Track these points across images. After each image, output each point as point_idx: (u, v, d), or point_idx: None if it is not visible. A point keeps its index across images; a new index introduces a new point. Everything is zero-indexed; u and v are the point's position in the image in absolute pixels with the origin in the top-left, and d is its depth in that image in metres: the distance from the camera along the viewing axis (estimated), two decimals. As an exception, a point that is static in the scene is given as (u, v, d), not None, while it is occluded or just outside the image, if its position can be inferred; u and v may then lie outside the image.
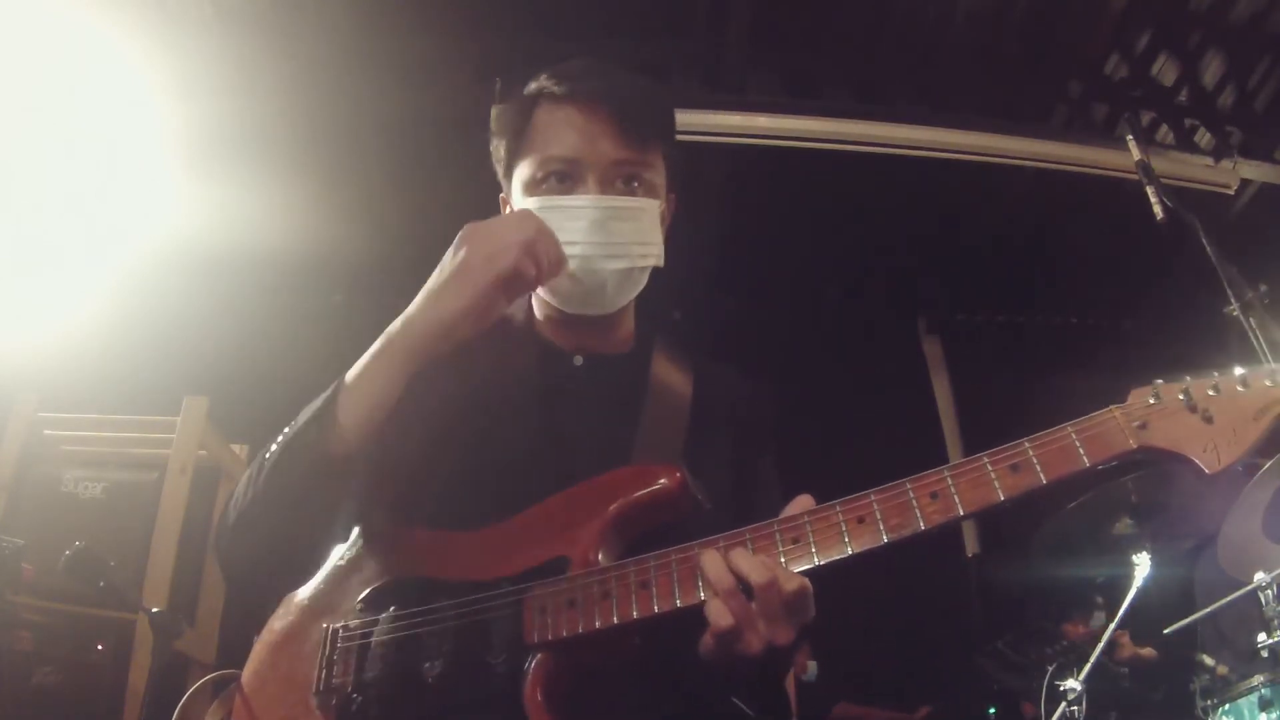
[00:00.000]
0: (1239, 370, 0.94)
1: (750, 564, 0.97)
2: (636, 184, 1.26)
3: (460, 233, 1.17)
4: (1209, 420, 0.92)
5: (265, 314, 4.48)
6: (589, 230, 1.21)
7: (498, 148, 1.33)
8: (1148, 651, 3.48)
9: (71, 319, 3.69)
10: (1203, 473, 0.91)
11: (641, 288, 1.30)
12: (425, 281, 1.23)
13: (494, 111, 1.36)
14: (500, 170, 1.35)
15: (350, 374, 1.16)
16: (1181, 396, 0.94)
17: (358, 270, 4.44)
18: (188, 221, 3.81)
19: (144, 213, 3.81)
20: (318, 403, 1.16)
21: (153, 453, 3.04)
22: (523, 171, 1.28)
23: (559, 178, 1.24)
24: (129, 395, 3.43)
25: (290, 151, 3.84)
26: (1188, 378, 0.96)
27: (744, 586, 0.97)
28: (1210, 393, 0.93)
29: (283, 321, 4.45)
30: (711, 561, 0.98)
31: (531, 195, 1.25)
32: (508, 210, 1.36)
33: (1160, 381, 0.96)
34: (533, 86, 1.30)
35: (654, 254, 1.27)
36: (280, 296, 4.54)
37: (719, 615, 0.96)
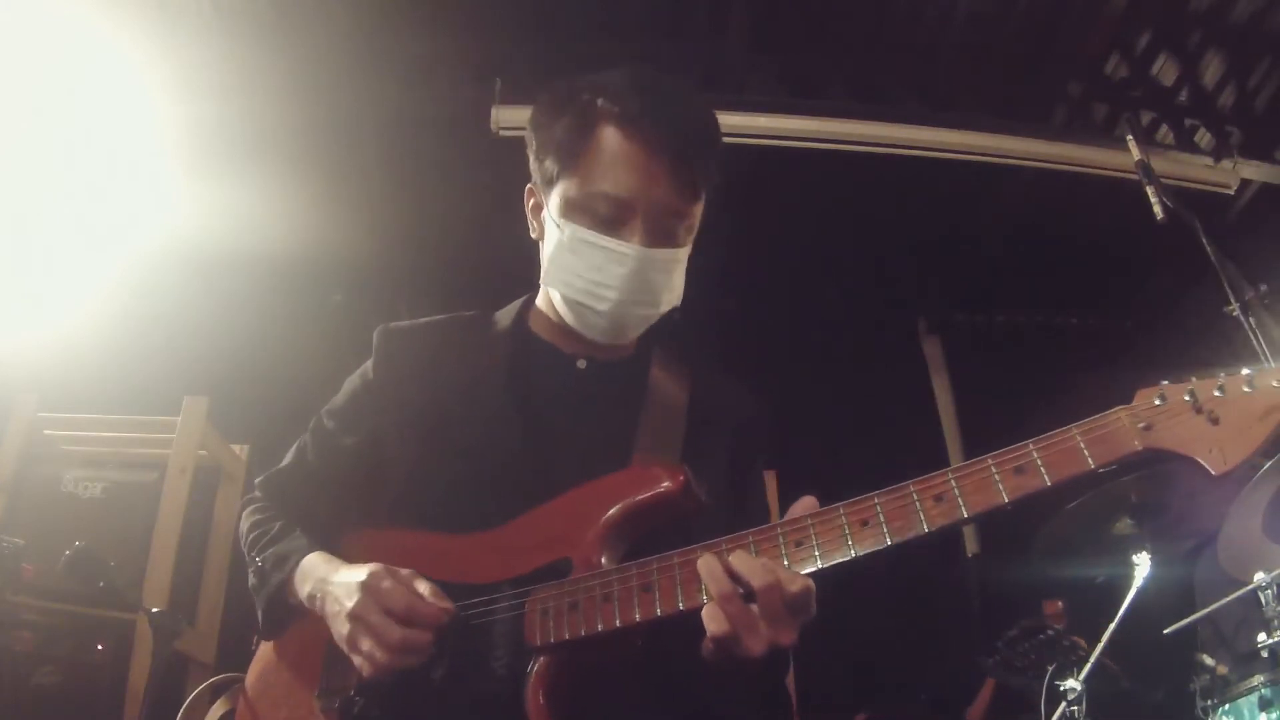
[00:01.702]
0: (1245, 370, 0.93)
1: (751, 566, 0.96)
2: (680, 230, 1.24)
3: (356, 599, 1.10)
4: (1215, 421, 0.91)
5: (265, 314, 4.47)
6: (628, 278, 1.20)
7: (545, 159, 1.27)
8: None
9: (71, 319, 3.69)
10: (1209, 474, 0.90)
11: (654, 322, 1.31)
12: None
13: (531, 113, 1.31)
14: (540, 174, 1.29)
15: (301, 581, 1.21)
16: (1187, 398, 0.93)
17: (358, 270, 4.44)
18: (188, 221, 3.81)
19: (144, 213, 3.81)
20: (272, 583, 1.24)
21: (153, 453, 3.04)
22: (569, 189, 1.22)
23: (607, 212, 1.20)
24: (129, 395, 3.44)
25: (290, 151, 3.84)
26: (1193, 378, 0.94)
27: (744, 590, 0.96)
28: (1216, 393, 0.92)
29: (283, 321, 4.45)
30: (707, 566, 0.98)
31: (573, 220, 1.22)
32: (530, 202, 1.33)
33: (1166, 383, 0.95)
34: (599, 104, 1.21)
35: (676, 297, 1.28)
36: (280, 296, 4.53)
37: (712, 620, 0.95)
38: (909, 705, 4.05)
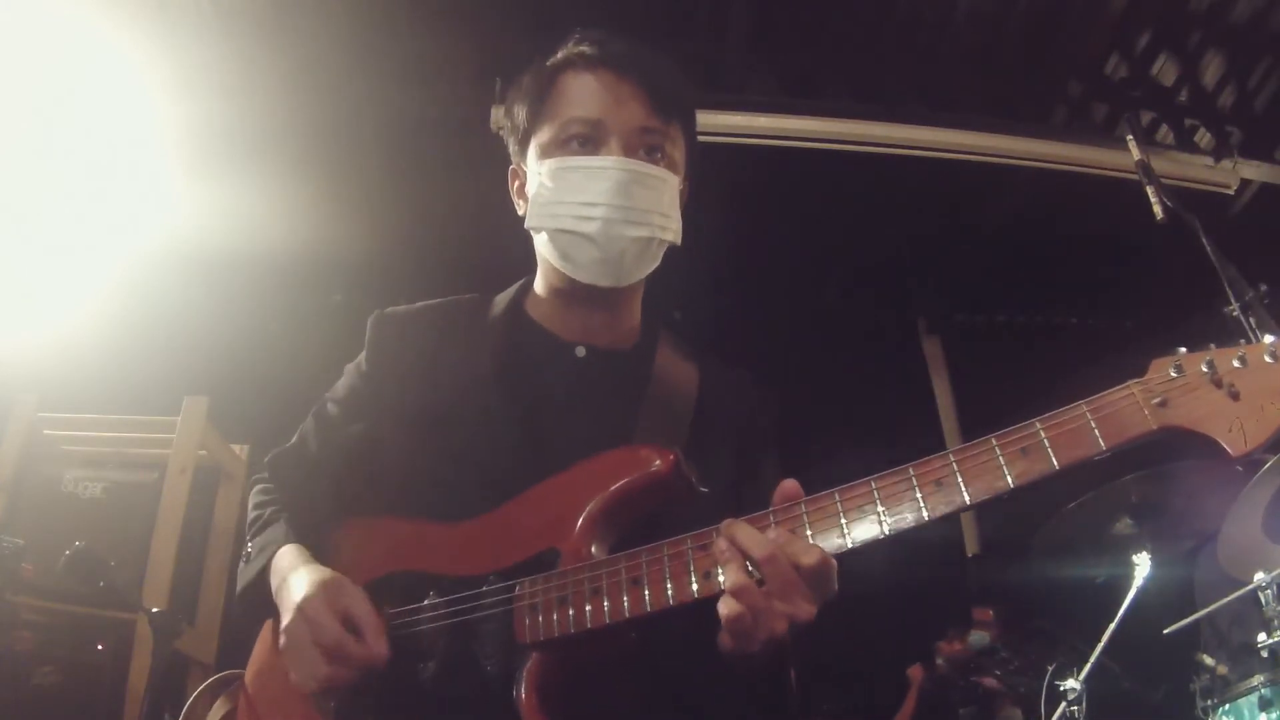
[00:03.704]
0: (1269, 338, 0.86)
1: (752, 539, 0.93)
2: (659, 154, 1.23)
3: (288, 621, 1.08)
4: (1235, 396, 0.84)
5: (265, 314, 4.47)
6: (612, 192, 1.18)
7: (516, 114, 1.29)
8: (990, 682, 3.59)
9: (71, 319, 3.69)
10: (1228, 454, 0.83)
11: (656, 264, 1.27)
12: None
13: (506, 97, 1.34)
14: (515, 139, 1.31)
15: (272, 574, 1.18)
16: (1205, 368, 0.86)
17: (358, 270, 4.44)
18: (188, 221, 3.81)
19: (144, 213, 3.80)
20: (249, 572, 1.23)
21: (153, 453, 3.04)
22: (544, 134, 1.24)
23: (581, 140, 1.21)
24: (129, 395, 3.43)
25: (290, 151, 3.83)
26: (1212, 346, 0.88)
27: (750, 563, 0.93)
28: (1235, 364, 0.85)
29: (283, 321, 4.45)
30: (719, 549, 0.95)
31: (551, 157, 1.23)
32: (514, 184, 1.33)
33: (1183, 350, 0.89)
34: (559, 55, 1.27)
35: (673, 228, 1.24)
36: (280, 296, 4.53)
37: (724, 604, 0.92)
38: (816, 714, 4.09)
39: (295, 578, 1.13)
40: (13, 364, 3.32)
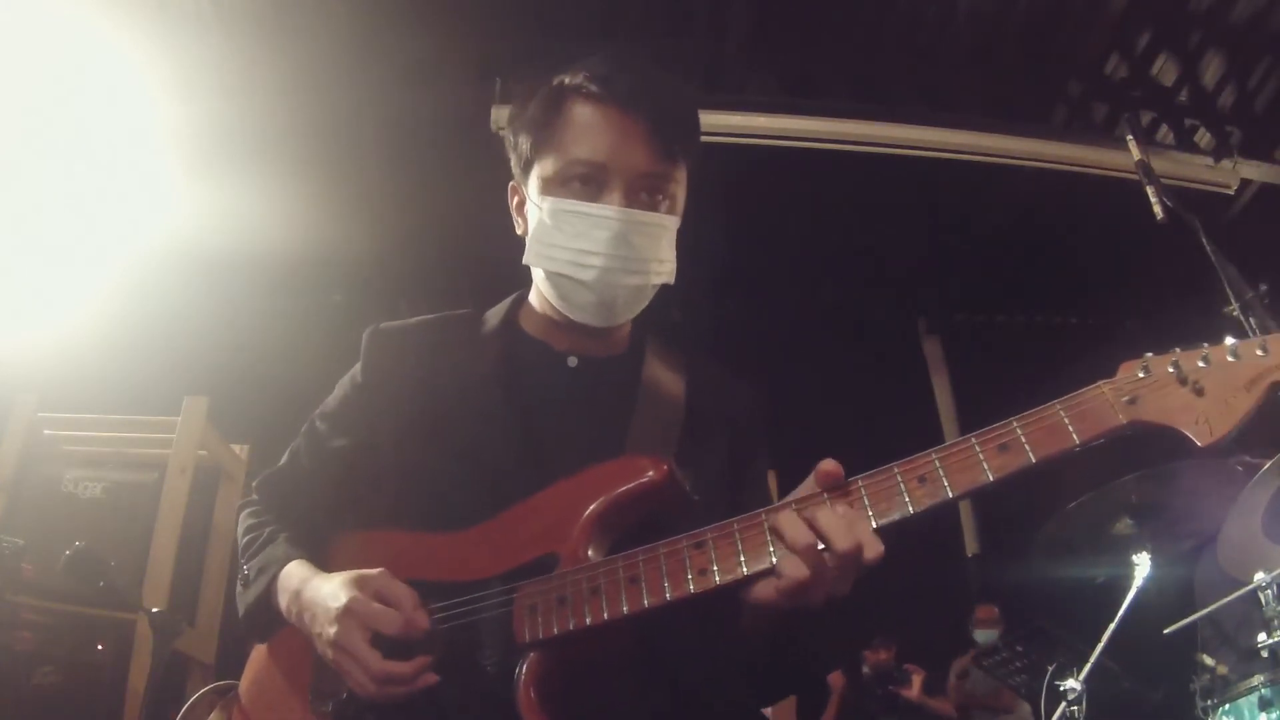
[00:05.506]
0: (1229, 340, 0.92)
1: (835, 526, 0.94)
2: (660, 196, 1.22)
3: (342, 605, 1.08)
4: (1200, 392, 0.90)
5: (265, 314, 4.48)
6: (611, 242, 1.18)
7: (520, 142, 1.27)
8: (941, 705, 3.63)
9: (71, 319, 3.69)
10: (1195, 445, 0.89)
11: (647, 303, 1.27)
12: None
13: (510, 108, 1.31)
14: (518, 161, 1.29)
15: (279, 593, 1.19)
16: (1171, 369, 0.92)
17: (358, 270, 4.45)
18: (188, 222, 3.82)
19: (144, 213, 3.81)
20: (250, 595, 1.22)
21: (153, 453, 3.03)
22: (546, 168, 1.22)
23: (583, 181, 1.19)
24: (129, 395, 3.44)
25: (290, 151, 3.84)
26: (1177, 349, 0.93)
27: (824, 544, 0.94)
28: (1200, 364, 0.91)
29: (283, 321, 4.46)
30: (788, 518, 0.96)
31: (552, 195, 1.21)
32: (514, 201, 1.33)
33: (1150, 355, 0.94)
34: (567, 80, 1.22)
35: (668, 271, 1.24)
36: (280, 296, 4.54)
37: (794, 568, 0.93)
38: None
39: (315, 594, 1.13)
40: (13, 364, 3.32)
